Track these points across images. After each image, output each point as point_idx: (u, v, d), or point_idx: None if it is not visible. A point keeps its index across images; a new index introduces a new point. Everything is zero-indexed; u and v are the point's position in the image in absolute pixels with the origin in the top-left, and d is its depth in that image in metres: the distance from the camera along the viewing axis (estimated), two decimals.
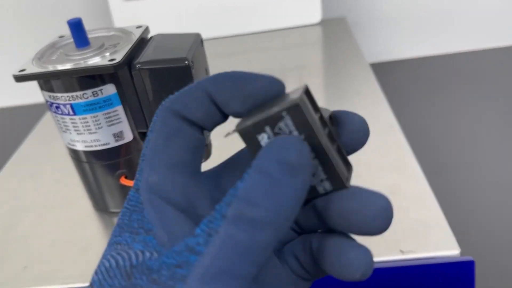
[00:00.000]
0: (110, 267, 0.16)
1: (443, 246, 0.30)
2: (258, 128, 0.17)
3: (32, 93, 0.72)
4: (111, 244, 0.17)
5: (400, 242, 0.31)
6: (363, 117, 0.18)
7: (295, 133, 0.16)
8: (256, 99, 0.17)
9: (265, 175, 0.14)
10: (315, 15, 0.74)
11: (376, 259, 0.30)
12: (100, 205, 0.39)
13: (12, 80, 0.33)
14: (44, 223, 0.40)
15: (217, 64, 0.47)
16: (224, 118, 0.18)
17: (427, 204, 0.35)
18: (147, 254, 0.16)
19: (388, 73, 0.76)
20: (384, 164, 0.39)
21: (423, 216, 0.33)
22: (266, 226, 0.14)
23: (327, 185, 0.17)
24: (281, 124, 0.16)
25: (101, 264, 0.17)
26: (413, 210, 0.34)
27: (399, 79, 0.81)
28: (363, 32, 0.85)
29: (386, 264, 0.29)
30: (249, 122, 0.17)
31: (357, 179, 0.37)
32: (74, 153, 0.36)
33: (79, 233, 0.38)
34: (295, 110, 0.16)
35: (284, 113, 0.16)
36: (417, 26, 0.87)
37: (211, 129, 0.19)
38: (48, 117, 0.59)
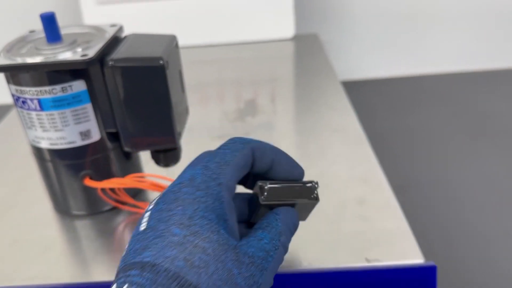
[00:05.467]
0: None
1: (407, 255, 0.31)
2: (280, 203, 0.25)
3: None
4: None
5: (366, 250, 0.32)
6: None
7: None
8: (288, 178, 0.26)
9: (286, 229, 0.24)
10: (288, 30, 0.75)
11: (341, 266, 0.30)
12: (61, 207, 0.38)
13: None
14: (4, 222, 0.38)
15: (189, 72, 0.47)
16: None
17: (392, 215, 0.35)
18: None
19: (355, 91, 0.77)
20: (352, 176, 0.40)
21: (388, 225, 0.34)
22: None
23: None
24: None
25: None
26: (378, 220, 0.35)
27: (367, 97, 0.83)
28: (333, 49, 0.86)
29: (351, 269, 0.30)
30: (278, 201, 0.25)
31: (327, 189, 0.37)
32: (38, 151, 0.35)
33: (39, 233, 0.37)
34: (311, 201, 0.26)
35: (298, 201, 0.26)
36: (387, 47, 0.89)
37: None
38: (9, 117, 0.57)
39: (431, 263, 0.29)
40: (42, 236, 0.36)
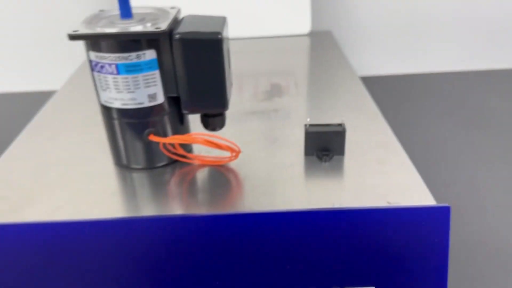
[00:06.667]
0: None
1: (424, 201, 0.37)
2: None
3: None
4: None
5: (387, 197, 0.38)
6: None
7: None
8: None
9: None
10: (305, 26, 0.82)
11: (365, 206, 0.37)
12: (122, 162, 0.44)
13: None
14: (68, 176, 0.44)
15: None
16: None
17: (408, 172, 0.41)
18: None
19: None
20: (372, 143, 0.46)
21: (405, 180, 0.40)
22: None
23: None
24: None
25: None
26: (397, 176, 0.41)
27: (374, 92, 0.90)
28: (345, 46, 0.93)
29: (374, 208, 0.36)
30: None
31: (351, 153, 0.44)
32: (108, 111, 0.41)
33: (101, 184, 0.43)
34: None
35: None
36: (396, 45, 0.96)
37: None
38: (57, 95, 0.63)
39: (445, 204, 0.35)
40: (103, 186, 0.42)
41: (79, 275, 0.36)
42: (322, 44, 0.80)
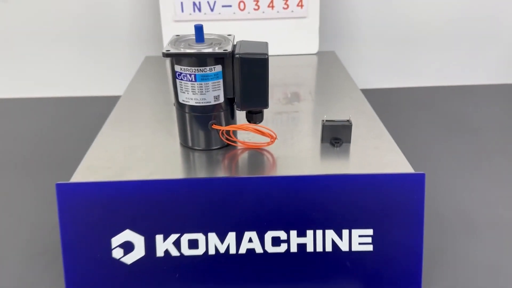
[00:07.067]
0: None
1: (405, 171, 0.54)
2: None
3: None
4: None
5: (377, 169, 0.55)
6: None
7: None
8: None
9: None
10: (313, 47, 0.99)
11: (352, 172, 0.53)
12: (187, 144, 0.61)
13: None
14: (150, 153, 0.60)
15: None
16: None
17: (396, 156, 0.58)
18: None
19: None
20: (369, 136, 0.63)
21: (394, 160, 0.57)
22: None
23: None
24: None
25: None
26: (387, 157, 0.58)
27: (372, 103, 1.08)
28: (346, 64, 1.11)
29: (359, 174, 0.52)
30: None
31: (355, 142, 0.60)
32: (182, 107, 0.58)
33: (170, 156, 0.59)
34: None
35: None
36: (389, 65, 1.14)
37: None
38: (123, 99, 0.79)
39: (421, 172, 0.52)
40: (175, 160, 0.59)
41: (164, 215, 0.52)
42: (327, 61, 0.97)
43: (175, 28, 0.95)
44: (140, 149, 0.61)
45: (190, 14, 0.94)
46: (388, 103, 1.08)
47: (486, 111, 1.05)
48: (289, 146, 0.61)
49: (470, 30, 1.12)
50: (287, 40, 0.98)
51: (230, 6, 0.95)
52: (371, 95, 1.11)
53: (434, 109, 1.06)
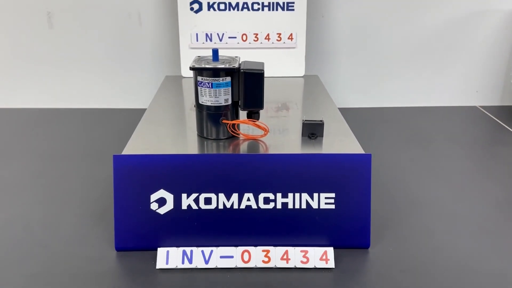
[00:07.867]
0: None
1: (356, 152, 0.76)
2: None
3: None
4: None
5: (335, 150, 0.77)
6: None
7: None
8: None
9: None
10: (300, 70, 1.23)
11: (305, 152, 0.75)
12: (202, 134, 0.83)
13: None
14: (177, 140, 0.82)
15: None
16: None
17: (352, 144, 0.81)
18: None
19: None
20: (337, 133, 0.86)
21: (350, 147, 0.79)
22: None
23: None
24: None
25: None
26: (347, 145, 0.80)
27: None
28: (327, 86, 1.35)
29: (311, 153, 0.74)
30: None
31: (327, 136, 0.83)
32: (201, 106, 0.80)
33: (186, 141, 0.81)
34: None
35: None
36: (363, 88, 1.38)
37: None
38: (150, 108, 1.02)
39: (368, 153, 0.74)
40: (194, 144, 0.81)
41: (187, 179, 0.74)
42: (311, 83, 1.21)
43: (191, 53, 1.19)
44: (168, 137, 0.84)
45: (203, 43, 1.18)
46: (362, 120, 1.31)
47: (441, 126, 1.28)
48: (278, 138, 0.83)
49: (431, 59, 1.37)
50: (279, 65, 1.22)
51: (235, 37, 1.19)
52: (349, 113, 1.34)
53: (400, 125, 1.29)
